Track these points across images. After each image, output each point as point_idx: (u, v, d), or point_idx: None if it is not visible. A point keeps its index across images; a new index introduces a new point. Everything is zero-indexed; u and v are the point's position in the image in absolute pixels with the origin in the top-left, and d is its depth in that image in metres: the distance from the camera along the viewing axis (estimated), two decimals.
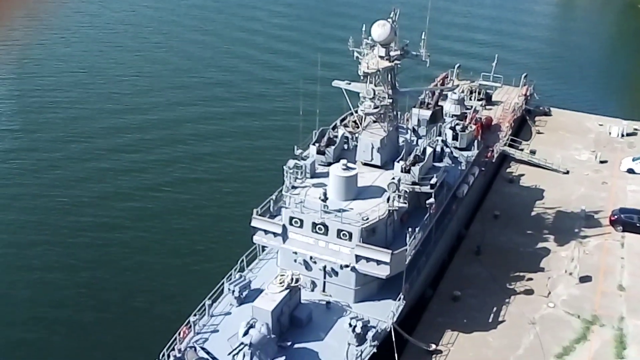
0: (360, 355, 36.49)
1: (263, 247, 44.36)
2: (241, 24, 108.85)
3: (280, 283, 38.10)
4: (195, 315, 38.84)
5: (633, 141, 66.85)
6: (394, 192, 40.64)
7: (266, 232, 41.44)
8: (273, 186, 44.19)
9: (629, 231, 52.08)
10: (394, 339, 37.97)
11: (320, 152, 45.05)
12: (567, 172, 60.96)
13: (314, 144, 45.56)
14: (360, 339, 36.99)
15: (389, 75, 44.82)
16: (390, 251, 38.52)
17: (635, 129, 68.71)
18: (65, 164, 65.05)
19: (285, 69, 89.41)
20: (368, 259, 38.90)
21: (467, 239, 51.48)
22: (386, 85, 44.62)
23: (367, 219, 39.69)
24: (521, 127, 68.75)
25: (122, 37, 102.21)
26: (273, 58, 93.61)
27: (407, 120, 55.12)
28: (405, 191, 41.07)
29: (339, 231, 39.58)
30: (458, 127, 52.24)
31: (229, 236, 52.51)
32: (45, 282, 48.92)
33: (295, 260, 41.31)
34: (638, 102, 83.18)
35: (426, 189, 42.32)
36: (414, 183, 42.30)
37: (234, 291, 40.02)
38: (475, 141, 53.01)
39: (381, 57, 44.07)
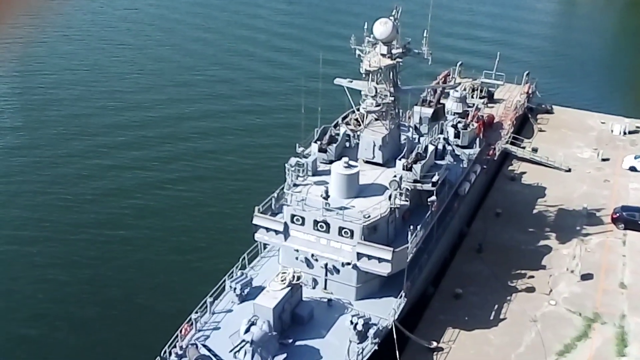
0: (362, 352, 36.52)
1: (265, 244, 44.37)
2: (243, 21, 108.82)
3: (282, 280, 38.15)
4: (196, 312, 38.87)
5: (635, 139, 66.78)
6: (396, 189, 40.58)
7: (268, 229, 41.47)
8: (275, 184, 44.19)
9: (630, 229, 52.11)
10: (395, 337, 38.04)
11: (322, 149, 45.06)
12: (569, 170, 60.95)
13: (315, 142, 45.60)
14: (362, 337, 37.03)
15: (391, 73, 44.76)
16: (391, 249, 38.52)
17: (638, 127, 68.60)
18: (67, 161, 65.14)
19: (287, 66, 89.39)
20: (369, 257, 38.91)
21: (468, 237, 51.52)
22: (388, 83, 44.60)
23: (369, 216, 39.68)
24: (523, 125, 68.62)
25: (124, 34, 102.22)
26: (275, 56, 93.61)
27: (409, 118, 55.07)
28: (407, 189, 41.01)
29: (341, 229, 39.60)
30: (460, 125, 52.25)
31: (231, 234, 52.54)
32: (47, 279, 49.04)
33: (296, 258, 41.33)
34: None
35: (428, 186, 42.36)
36: (415, 181, 42.33)
37: (235, 289, 40.06)
38: (477, 139, 53.02)
39: (383, 55, 44.09)
